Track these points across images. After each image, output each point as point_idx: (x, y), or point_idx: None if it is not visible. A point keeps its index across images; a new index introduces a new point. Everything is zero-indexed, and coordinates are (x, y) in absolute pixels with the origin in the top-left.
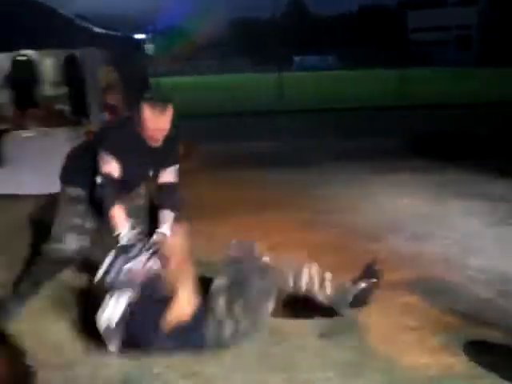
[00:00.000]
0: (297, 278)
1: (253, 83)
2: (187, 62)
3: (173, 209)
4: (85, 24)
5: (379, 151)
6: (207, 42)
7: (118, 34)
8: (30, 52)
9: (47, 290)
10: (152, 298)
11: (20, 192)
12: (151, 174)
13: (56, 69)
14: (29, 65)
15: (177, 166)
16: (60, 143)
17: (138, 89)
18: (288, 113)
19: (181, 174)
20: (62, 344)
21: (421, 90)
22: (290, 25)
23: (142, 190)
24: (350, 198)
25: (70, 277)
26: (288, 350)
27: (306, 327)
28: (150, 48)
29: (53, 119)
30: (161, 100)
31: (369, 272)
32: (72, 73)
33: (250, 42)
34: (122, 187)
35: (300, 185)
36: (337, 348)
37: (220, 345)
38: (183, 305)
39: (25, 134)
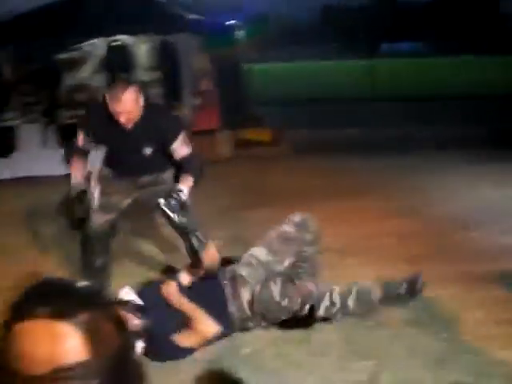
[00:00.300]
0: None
1: (342, 69)
2: (277, 48)
3: (190, 174)
4: (179, 10)
5: (476, 140)
6: (297, 28)
7: (211, 20)
8: (124, 37)
9: None
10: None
11: None
12: (147, 152)
13: (150, 54)
14: (124, 50)
15: (179, 139)
16: None
17: (230, 75)
18: (379, 100)
19: (270, 160)
20: None
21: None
22: (380, 11)
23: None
24: (444, 187)
25: None
26: (376, 338)
27: (396, 316)
28: (240, 34)
29: None
30: (120, 83)
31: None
32: (166, 58)
33: (340, 29)
34: (123, 171)
35: (391, 173)
36: (426, 338)
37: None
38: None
39: None
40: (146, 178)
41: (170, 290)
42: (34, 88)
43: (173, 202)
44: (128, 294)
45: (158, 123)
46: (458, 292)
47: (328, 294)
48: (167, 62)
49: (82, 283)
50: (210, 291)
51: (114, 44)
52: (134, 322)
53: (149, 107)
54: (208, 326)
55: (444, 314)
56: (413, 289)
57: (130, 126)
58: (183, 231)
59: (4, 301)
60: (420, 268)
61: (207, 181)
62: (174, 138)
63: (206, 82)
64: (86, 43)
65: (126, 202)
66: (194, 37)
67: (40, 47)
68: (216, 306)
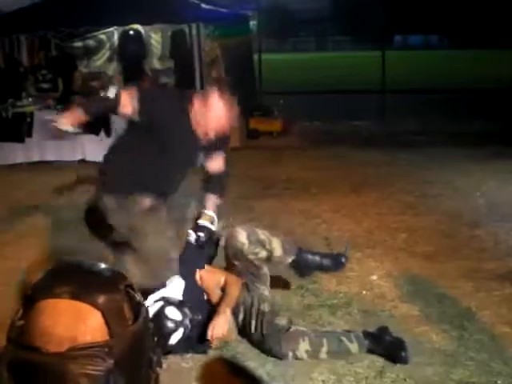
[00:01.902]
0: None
1: (355, 61)
2: (289, 38)
3: (218, 195)
4: (193, 0)
5: (488, 136)
6: (309, 18)
7: (224, 10)
8: (138, 27)
9: None
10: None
11: None
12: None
13: (163, 43)
14: (137, 39)
15: (223, 154)
16: None
17: (242, 64)
18: (390, 92)
19: (279, 150)
20: None
21: None
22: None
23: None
24: (455, 183)
25: None
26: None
27: (406, 312)
28: (253, 24)
29: None
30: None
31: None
32: (179, 47)
33: (352, 20)
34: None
35: (401, 166)
36: (436, 335)
37: None
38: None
39: None
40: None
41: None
42: (50, 75)
43: (202, 237)
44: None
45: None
46: (469, 289)
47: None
48: (180, 50)
49: (104, 265)
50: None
51: (128, 33)
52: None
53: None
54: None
55: (454, 311)
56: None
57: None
58: None
59: (18, 282)
60: (430, 264)
61: None
62: (223, 148)
63: (218, 71)
64: (101, 32)
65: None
66: (207, 26)
67: (56, 35)
68: None
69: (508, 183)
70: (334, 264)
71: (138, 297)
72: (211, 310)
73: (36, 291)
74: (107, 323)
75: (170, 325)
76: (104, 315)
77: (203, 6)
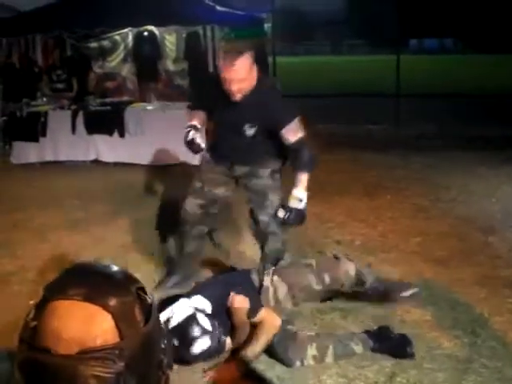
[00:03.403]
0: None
1: (370, 65)
2: (303, 41)
3: (302, 168)
4: (207, 2)
5: (502, 140)
6: (324, 22)
7: (239, 12)
8: (153, 28)
9: None
10: None
11: (139, 162)
12: (249, 133)
13: (178, 45)
14: (152, 40)
15: (292, 124)
16: (178, 117)
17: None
18: (405, 96)
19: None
20: None
21: None
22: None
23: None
24: (470, 187)
25: None
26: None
27: (417, 317)
28: (268, 27)
29: (172, 93)
30: (234, 49)
31: None
32: (193, 49)
33: (367, 23)
34: (221, 153)
35: (416, 170)
36: (447, 341)
37: None
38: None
39: (146, 106)
40: (242, 169)
41: (241, 305)
42: (65, 75)
43: (292, 215)
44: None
45: (270, 102)
46: (482, 296)
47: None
48: (194, 52)
49: (117, 268)
50: None
51: (143, 34)
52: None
53: (262, 83)
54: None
55: (467, 317)
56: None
57: (238, 97)
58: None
59: (31, 280)
60: (443, 270)
61: None
62: (284, 121)
63: None
64: (116, 33)
65: (220, 191)
66: (222, 29)
67: (71, 35)
68: None
69: None
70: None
71: (150, 299)
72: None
73: (49, 291)
74: (118, 326)
75: (198, 331)
76: (115, 318)
77: (218, 8)
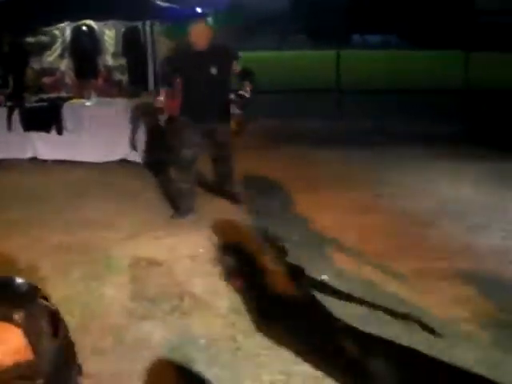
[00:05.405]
0: None
1: (311, 60)
2: (246, 37)
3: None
4: None
5: (440, 136)
6: (266, 17)
7: (179, 7)
8: (91, 23)
9: None
10: None
11: (78, 159)
12: (215, 71)
13: (117, 40)
14: (90, 35)
15: (236, 62)
16: (118, 113)
17: None
18: (346, 91)
19: (234, 149)
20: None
21: (486, 74)
22: (350, 2)
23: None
24: (407, 182)
25: None
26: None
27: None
28: (211, 22)
29: (112, 89)
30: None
31: None
32: (132, 44)
33: (309, 19)
34: (196, 98)
35: (356, 166)
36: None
37: None
38: None
39: (85, 102)
40: (212, 124)
41: None
42: (1, 71)
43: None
44: None
45: (222, 48)
46: (417, 289)
47: None
48: (133, 48)
49: (19, 279)
50: None
51: (81, 29)
52: None
53: (214, 40)
54: None
55: (404, 310)
56: None
57: (203, 47)
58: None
59: None
60: (380, 263)
61: None
62: (233, 57)
63: None
64: (54, 27)
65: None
66: (161, 24)
67: (7, 31)
68: None
69: (460, 183)
70: None
71: (55, 307)
72: None
73: None
74: (28, 341)
75: None
76: (23, 333)
77: (158, 3)
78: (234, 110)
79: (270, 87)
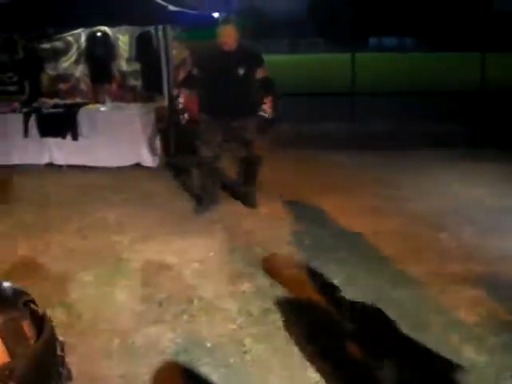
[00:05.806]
0: None
1: (327, 63)
2: (261, 40)
3: (268, 93)
4: (160, 2)
5: (455, 139)
6: (282, 20)
7: (194, 12)
8: (106, 28)
9: None
10: None
11: (92, 164)
12: (242, 71)
13: (131, 45)
14: (105, 41)
15: (263, 66)
16: (132, 118)
17: None
18: (361, 94)
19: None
20: None
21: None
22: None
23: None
24: (421, 185)
25: None
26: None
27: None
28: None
29: (126, 94)
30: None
31: None
32: (146, 49)
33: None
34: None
35: (370, 169)
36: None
37: None
38: None
39: (100, 107)
40: (236, 123)
41: None
42: (16, 78)
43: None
44: None
45: (249, 50)
46: (430, 293)
47: None
48: (147, 53)
49: (4, 284)
50: None
51: (95, 34)
52: None
53: (242, 42)
54: None
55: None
56: None
57: (230, 48)
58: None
59: None
60: (393, 267)
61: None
62: (260, 62)
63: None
64: (69, 33)
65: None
66: (175, 28)
67: (23, 37)
68: None
69: (472, 185)
70: None
71: (41, 311)
72: None
73: None
74: (6, 345)
75: None
76: (1, 336)
77: (171, 7)
78: (253, 135)
79: (285, 90)
